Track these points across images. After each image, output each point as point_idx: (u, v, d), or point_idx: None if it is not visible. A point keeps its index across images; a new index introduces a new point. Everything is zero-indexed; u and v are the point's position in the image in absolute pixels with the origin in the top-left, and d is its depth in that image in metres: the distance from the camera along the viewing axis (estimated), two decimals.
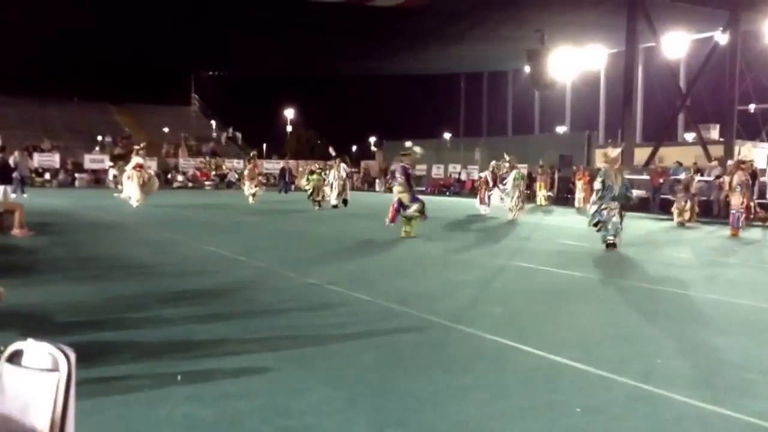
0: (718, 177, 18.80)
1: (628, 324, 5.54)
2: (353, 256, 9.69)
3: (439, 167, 37.98)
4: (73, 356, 1.69)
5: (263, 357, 4.24)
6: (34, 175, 32.29)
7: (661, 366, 4.30)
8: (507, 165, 18.13)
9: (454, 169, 37.26)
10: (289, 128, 50.16)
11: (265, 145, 46.37)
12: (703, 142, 27.09)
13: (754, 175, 16.31)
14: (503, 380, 3.93)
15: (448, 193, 33.60)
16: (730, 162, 15.97)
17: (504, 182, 17.38)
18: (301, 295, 6.44)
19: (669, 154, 26.91)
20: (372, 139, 49.76)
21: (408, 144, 13.10)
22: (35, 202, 17.84)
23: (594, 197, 11.05)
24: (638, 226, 15.18)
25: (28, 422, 1.65)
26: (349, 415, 3.31)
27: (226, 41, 36.81)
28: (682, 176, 17.68)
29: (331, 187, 20.31)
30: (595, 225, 10.92)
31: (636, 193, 13.20)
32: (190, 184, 35.44)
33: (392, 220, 12.12)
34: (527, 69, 29.49)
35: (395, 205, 12.08)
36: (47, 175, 33.92)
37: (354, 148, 50.61)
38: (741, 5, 25.42)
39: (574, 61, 27.71)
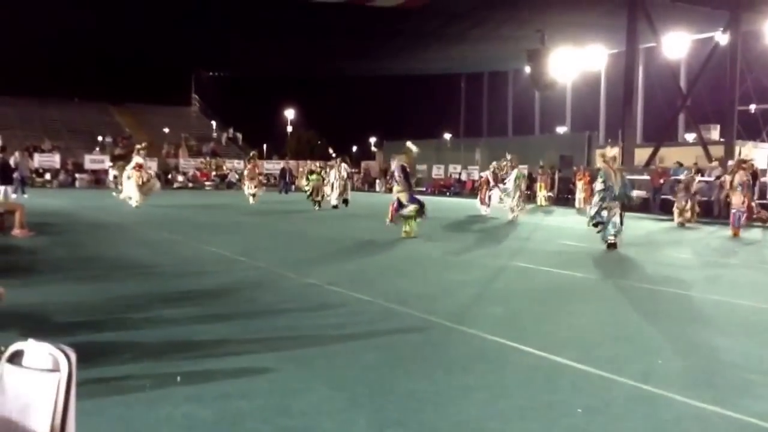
0: (718, 177, 18.79)
1: (629, 324, 5.54)
2: (353, 256, 9.69)
3: (439, 167, 37.97)
4: (73, 356, 1.70)
5: (263, 357, 4.25)
6: (34, 175, 32.30)
7: (662, 366, 4.30)
8: (509, 164, 18.01)
9: (455, 169, 37.25)
10: (289, 128, 50.19)
11: (265, 146, 46.37)
12: (703, 143, 27.08)
13: (754, 175, 16.28)
14: (503, 380, 3.93)
15: (448, 194, 33.59)
16: (731, 162, 15.94)
17: (505, 182, 17.34)
18: (301, 296, 6.44)
19: (669, 155, 26.92)
20: (372, 140, 49.78)
21: (408, 144, 13.01)
22: (36, 202, 17.84)
23: (596, 198, 11.02)
24: (639, 226, 15.18)
25: (29, 423, 1.66)
26: (350, 416, 3.31)
27: (226, 41, 36.82)
28: (683, 176, 17.68)
29: (332, 187, 20.30)
30: (596, 225, 10.93)
31: (636, 193, 13.18)
32: (190, 185, 35.45)
33: (392, 221, 12.13)
34: (527, 69, 29.48)
35: (394, 205, 12.08)
36: (47, 176, 33.94)
37: (354, 148, 50.62)
38: (741, 5, 25.42)
39: (574, 62, 27.70)
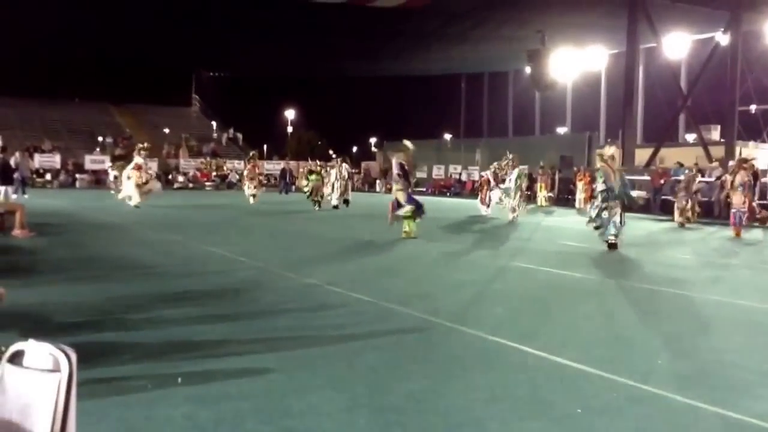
0: (719, 178, 18.78)
1: (629, 324, 5.54)
2: (354, 256, 9.69)
3: (439, 168, 37.97)
4: (74, 356, 1.70)
5: (264, 357, 4.25)
6: (34, 175, 32.31)
7: (662, 366, 4.30)
8: (510, 162, 17.78)
9: (455, 170, 37.25)
10: (289, 129, 50.19)
11: (265, 146, 46.39)
12: (704, 143, 27.08)
13: (755, 175, 16.26)
14: (504, 381, 3.93)
15: (448, 194, 33.60)
16: (731, 162, 15.92)
17: (505, 182, 17.27)
18: (301, 296, 6.44)
19: (670, 155, 26.91)
20: (372, 140, 49.78)
21: (404, 141, 12.87)
22: (36, 202, 17.84)
23: (597, 200, 10.98)
24: (639, 226, 15.17)
25: (30, 423, 1.66)
26: (350, 416, 3.31)
27: (226, 42, 36.83)
28: (683, 177, 17.67)
29: (333, 187, 20.28)
30: (596, 228, 10.90)
31: (637, 194, 13.14)
32: (190, 185, 35.46)
33: (391, 223, 12.07)
34: (528, 70, 29.48)
35: (393, 204, 12.06)
36: (48, 176, 33.96)
37: (354, 149, 50.63)
38: (742, 6, 25.42)
39: (574, 62, 27.72)
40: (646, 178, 22.49)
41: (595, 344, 4.87)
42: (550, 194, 25.94)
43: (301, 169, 32.31)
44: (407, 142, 12.57)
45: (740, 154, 19.23)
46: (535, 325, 5.44)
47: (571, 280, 7.86)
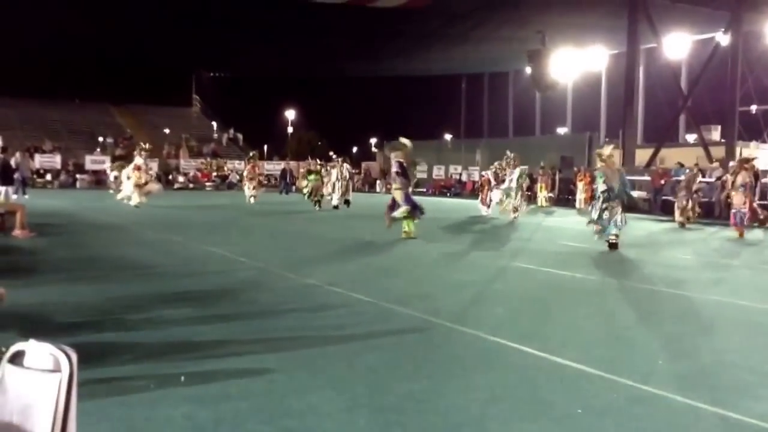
0: (719, 178, 18.76)
1: (630, 325, 5.54)
2: (354, 256, 9.69)
3: (440, 168, 37.95)
4: (74, 357, 1.70)
5: (264, 358, 4.25)
6: (35, 176, 32.33)
7: (663, 367, 4.30)
8: (511, 161, 17.60)
9: (455, 170, 37.24)
10: (290, 129, 50.20)
11: (266, 146, 46.41)
12: (704, 143, 27.07)
13: (756, 176, 16.23)
14: (504, 381, 3.93)
15: (448, 194, 33.59)
16: (732, 163, 15.90)
17: (507, 181, 17.18)
18: (301, 296, 6.45)
19: (670, 155, 26.89)
20: (373, 140, 49.80)
21: (401, 139, 12.66)
22: (36, 203, 17.84)
23: (599, 202, 10.94)
24: (640, 227, 15.17)
25: (30, 423, 1.66)
26: (350, 416, 3.31)
27: (227, 42, 36.85)
28: (683, 177, 17.66)
29: (333, 187, 20.22)
30: (599, 232, 10.87)
31: (638, 194, 13.15)
32: (191, 185, 35.47)
33: (389, 225, 11.96)
34: (528, 70, 29.49)
35: (389, 204, 12.04)
36: (48, 176, 33.99)
37: (355, 149, 50.65)
38: (742, 6, 25.42)
39: (575, 62, 27.73)
40: (647, 178, 22.48)
41: (595, 344, 4.87)
42: (551, 194, 25.93)
43: (301, 170, 32.34)
44: (404, 140, 12.42)
45: (741, 154, 19.21)
46: (536, 326, 5.44)
47: (571, 281, 7.86)
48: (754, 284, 8.26)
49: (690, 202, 16.46)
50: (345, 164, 20.78)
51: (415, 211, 11.86)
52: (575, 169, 26.35)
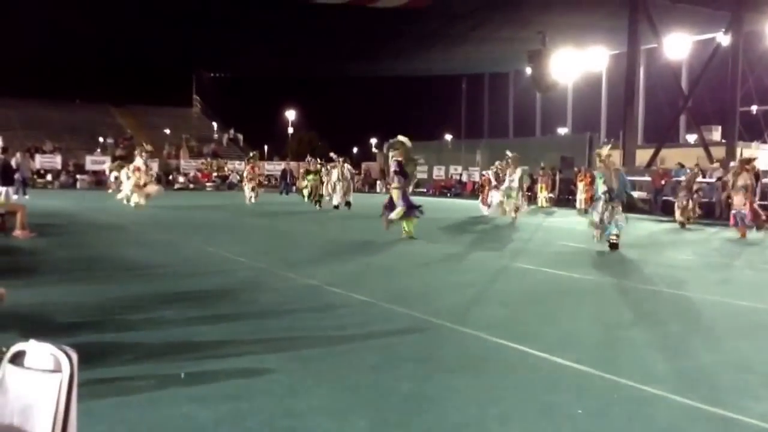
0: (719, 178, 18.74)
1: (630, 325, 5.54)
2: (354, 257, 9.69)
3: (440, 169, 37.95)
4: (75, 357, 1.70)
5: (264, 358, 4.25)
6: (35, 176, 32.36)
7: (663, 367, 4.30)
8: (511, 160, 17.43)
9: (455, 170, 37.24)
10: (290, 130, 50.20)
11: (266, 147, 46.42)
12: (704, 144, 27.05)
13: (756, 176, 16.18)
14: (504, 382, 3.93)
15: (449, 195, 33.59)
16: (733, 163, 15.86)
17: (508, 181, 17.11)
18: (301, 297, 6.44)
19: (671, 156, 26.87)
20: (373, 141, 49.78)
21: (399, 138, 12.46)
22: (37, 203, 17.84)
23: (600, 204, 10.91)
24: (640, 227, 15.16)
25: (31, 423, 1.66)
26: (350, 416, 3.31)
27: (227, 42, 36.87)
28: (683, 177, 17.64)
29: (334, 187, 20.09)
30: (598, 237, 10.84)
31: (638, 194, 13.13)
32: (191, 186, 35.50)
33: (386, 228, 11.86)
34: (529, 70, 29.45)
35: (385, 205, 12.01)
36: (49, 177, 34.01)
37: (355, 149, 50.63)
38: (743, 6, 25.40)
39: (575, 63, 27.69)
40: (647, 178, 22.47)
41: (595, 345, 4.87)
42: (551, 195, 25.92)
43: (301, 170, 32.30)
44: (402, 138, 12.29)
45: (741, 154, 19.17)
46: (536, 326, 5.43)
47: (571, 281, 7.86)
48: (755, 284, 8.25)
49: (690, 202, 16.44)
50: (346, 165, 20.66)
51: (411, 210, 11.79)
52: (575, 169, 26.34)
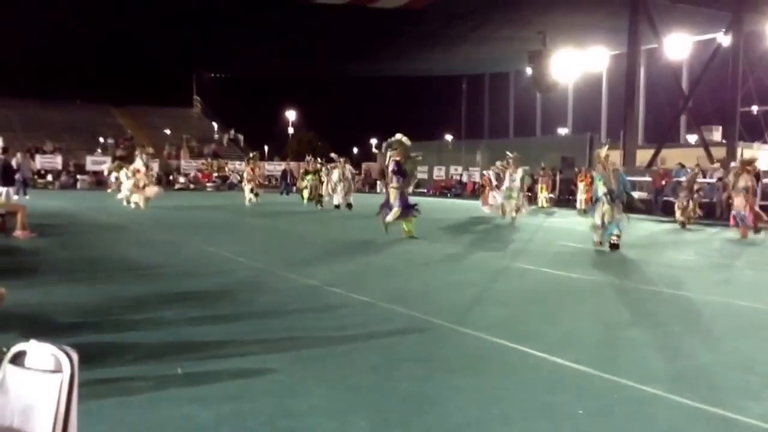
0: (720, 179, 18.73)
1: (630, 326, 5.53)
2: (354, 257, 9.69)
3: (440, 169, 37.95)
4: (76, 357, 1.70)
5: (264, 358, 4.25)
6: (36, 176, 32.35)
7: (664, 368, 4.30)
8: (512, 160, 17.35)
9: (456, 171, 37.23)
10: (290, 130, 50.21)
11: (266, 147, 46.42)
12: (705, 144, 27.05)
13: (757, 177, 16.16)
14: (505, 382, 3.93)
15: (449, 195, 33.58)
16: (733, 164, 15.83)
17: (508, 181, 17.06)
18: (301, 297, 6.45)
19: (671, 156, 26.87)
20: (373, 141, 49.77)
21: (397, 137, 12.32)
22: (37, 203, 17.85)
23: (600, 206, 10.90)
24: (641, 227, 15.15)
25: (31, 423, 1.66)
26: (351, 417, 3.31)
27: (227, 43, 36.88)
28: (684, 178, 17.63)
29: (335, 188, 19.98)
30: (598, 242, 10.83)
31: (638, 195, 13.11)
32: (191, 186, 35.50)
33: (386, 230, 11.81)
34: (529, 71, 29.47)
35: (381, 205, 11.98)
36: (49, 177, 34.00)
37: (355, 150, 50.62)
38: (744, 6, 25.40)
39: (576, 63, 27.72)
40: (648, 179, 22.46)
41: (595, 345, 4.87)
42: (551, 195, 25.92)
43: (300, 170, 32.25)
44: (399, 136, 12.18)
45: (742, 155, 19.14)
46: (536, 326, 5.43)
47: (572, 281, 7.85)
48: (755, 285, 8.25)
49: (691, 203, 16.42)
50: (347, 165, 20.54)
51: (408, 210, 11.75)
52: (576, 169, 26.34)
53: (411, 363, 4.25)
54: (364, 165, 43.73)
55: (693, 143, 31.41)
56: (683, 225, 16.09)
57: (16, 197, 17.31)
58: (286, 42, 35.24)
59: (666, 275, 8.42)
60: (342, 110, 48.47)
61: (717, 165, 21.80)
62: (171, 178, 35.79)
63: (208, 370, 3.96)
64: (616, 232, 10.64)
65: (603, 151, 11.28)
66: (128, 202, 18.09)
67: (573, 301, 6.63)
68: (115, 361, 4.12)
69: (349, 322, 5.34)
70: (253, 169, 22.27)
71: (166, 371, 3.92)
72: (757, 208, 14.06)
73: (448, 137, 45.46)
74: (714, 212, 18.66)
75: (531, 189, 23.08)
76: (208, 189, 35.35)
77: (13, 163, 20.28)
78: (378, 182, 37.77)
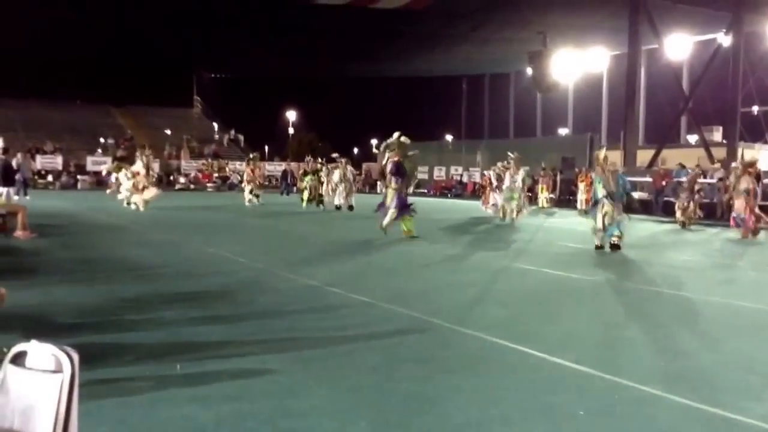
0: (721, 179, 18.72)
1: (631, 326, 5.53)
2: (354, 257, 9.69)
3: (440, 169, 37.95)
4: (76, 357, 1.70)
5: (264, 359, 4.25)
6: (36, 177, 32.35)
7: (664, 368, 4.29)
8: (513, 161, 17.29)
9: (456, 171, 37.23)
10: (291, 130, 50.22)
11: (267, 147, 46.42)
12: (705, 144, 27.05)
13: (758, 178, 16.16)
14: (505, 382, 3.93)
15: (449, 195, 33.59)
16: (734, 164, 15.82)
17: (509, 182, 17.04)
18: (301, 297, 6.44)
19: (672, 156, 26.88)
20: (374, 141, 49.75)
21: (395, 136, 12.20)
22: (38, 204, 17.85)
23: (600, 208, 10.87)
24: (641, 228, 15.14)
25: (32, 424, 1.66)
26: (351, 417, 3.31)
27: (228, 43, 36.90)
28: (685, 178, 17.62)
29: (335, 188, 19.90)
30: (598, 245, 10.82)
31: (638, 195, 13.09)
32: (192, 186, 35.51)
33: (385, 233, 11.80)
34: (529, 71, 29.49)
35: (378, 206, 11.96)
36: (50, 177, 34.01)
37: (356, 150, 50.62)
38: (744, 7, 25.41)
39: (576, 63, 27.72)
40: (648, 179, 22.46)
41: (596, 345, 4.87)
42: (552, 196, 25.92)
43: (299, 171, 32.19)
44: (397, 135, 12.04)
45: (743, 155, 19.12)
46: (536, 327, 5.43)
47: (572, 282, 7.85)
48: (756, 285, 8.24)
49: (692, 204, 16.41)
50: (348, 166, 20.43)
51: (404, 211, 11.72)
52: (576, 170, 26.33)
53: (411, 363, 4.25)
54: (364, 165, 43.73)
55: (693, 143, 31.41)
56: (684, 225, 16.09)
57: (16, 197, 17.32)
58: (287, 42, 35.26)
59: (667, 276, 8.42)
60: (342, 110, 48.47)
61: (717, 165, 21.80)
62: (171, 178, 35.80)
63: (208, 371, 3.96)
64: (616, 232, 10.64)
65: (601, 154, 11.27)
66: (128, 203, 18.09)
67: (573, 301, 6.63)
68: (115, 361, 4.12)
69: (349, 323, 5.34)
70: (253, 170, 22.20)
71: (167, 371, 3.92)
72: (757, 210, 14.03)
73: (449, 137, 45.47)
74: (715, 213, 18.66)
75: (531, 189, 23.07)
76: (209, 189, 35.35)
77: (14, 163, 20.29)
78: (378, 183, 37.80)
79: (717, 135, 30.87)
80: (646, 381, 3.93)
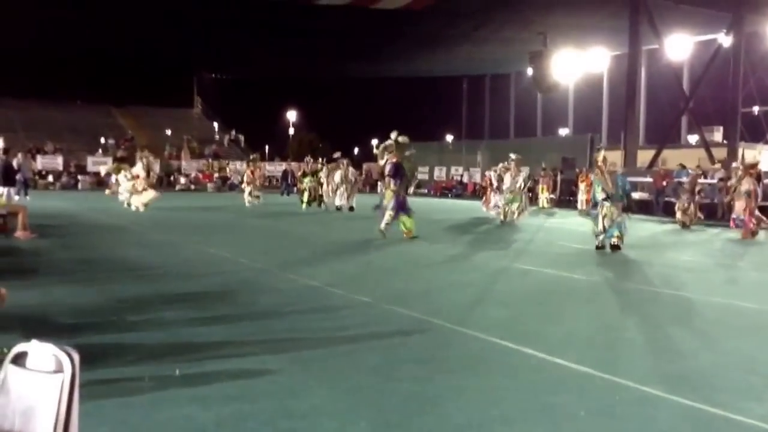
0: (721, 179, 18.71)
1: (632, 326, 5.53)
2: (354, 257, 9.69)
3: (441, 169, 37.95)
4: (77, 358, 1.70)
5: (265, 359, 4.25)
6: (37, 177, 32.34)
7: (665, 368, 4.29)
8: (514, 162, 17.24)
9: (456, 171, 37.23)
10: (291, 130, 50.22)
11: (267, 148, 46.42)
12: (706, 145, 27.04)
13: (758, 178, 16.14)
14: (506, 383, 3.93)
15: (450, 196, 33.58)
16: (735, 164, 15.81)
17: (514, 183, 16.98)
18: (302, 297, 6.44)
19: (672, 157, 26.87)
20: (374, 142, 49.72)
21: (394, 136, 12.13)
22: (38, 204, 17.85)
23: (601, 210, 10.86)
24: (642, 228, 15.14)
25: (32, 424, 1.66)
26: (351, 417, 3.31)
27: (229, 44, 36.89)
28: (685, 178, 17.61)
29: (335, 190, 19.84)
30: (601, 246, 10.82)
31: (638, 195, 13.08)
32: (192, 187, 35.50)
33: (383, 236, 11.76)
34: (530, 71, 29.47)
35: (378, 203, 11.92)
36: (50, 178, 34.00)
37: (356, 150, 50.61)
38: (744, 7, 25.41)
39: (576, 64, 27.70)
40: (649, 179, 22.46)
41: (596, 346, 4.86)
42: (552, 196, 25.91)
43: (298, 172, 32.12)
44: (394, 135, 11.95)
45: (743, 156, 19.12)
46: (537, 327, 5.43)
47: (572, 282, 7.85)
48: (757, 286, 8.24)
49: (692, 205, 16.40)
50: (350, 167, 20.36)
51: (399, 212, 11.70)
52: (577, 170, 26.32)
53: (412, 364, 4.25)
54: (365, 165, 43.73)
55: (694, 144, 31.41)
56: (684, 225, 16.08)
57: (16, 198, 17.31)
58: (287, 42, 35.26)
59: (667, 276, 8.42)
60: (343, 111, 48.46)
61: (718, 165, 21.80)
62: (172, 178, 35.79)
63: (208, 371, 3.96)
64: (617, 233, 10.64)
65: (600, 155, 11.25)
66: (129, 204, 18.09)
67: (574, 301, 6.62)
68: (116, 361, 4.12)
69: (349, 323, 5.34)
70: (253, 172, 22.13)
71: (167, 372, 3.92)
72: (757, 213, 14.02)
73: (449, 138, 45.46)
74: (715, 213, 18.65)
75: (532, 190, 23.04)
76: (209, 190, 35.35)
77: (14, 163, 20.27)
78: (379, 183, 37.79)
79: (717, 135, 30.86)
80: (647, 381, 3.93)
